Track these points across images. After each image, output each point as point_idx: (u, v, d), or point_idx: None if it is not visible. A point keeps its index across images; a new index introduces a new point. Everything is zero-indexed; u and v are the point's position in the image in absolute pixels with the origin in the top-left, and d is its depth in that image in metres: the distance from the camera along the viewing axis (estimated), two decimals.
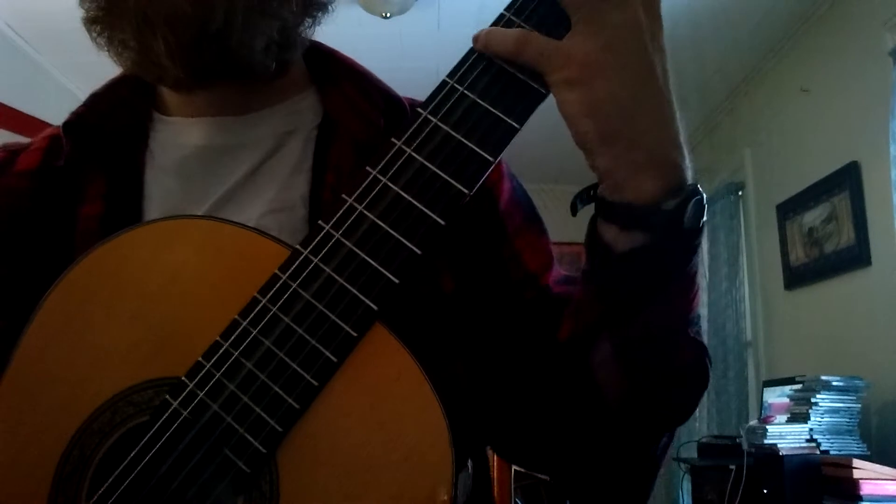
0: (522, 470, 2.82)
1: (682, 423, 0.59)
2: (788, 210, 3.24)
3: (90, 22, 0.59)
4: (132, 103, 0.66)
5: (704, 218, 0.51)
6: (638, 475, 0.61)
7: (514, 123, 0.50)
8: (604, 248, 0.52)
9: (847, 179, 2.81)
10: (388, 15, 2.94)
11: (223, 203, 0.61)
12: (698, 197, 0.50)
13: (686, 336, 0.56)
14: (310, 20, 0.64)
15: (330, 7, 0.65)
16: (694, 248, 0.52)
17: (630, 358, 0.54)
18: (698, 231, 0.51)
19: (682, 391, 0.57)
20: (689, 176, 0.51)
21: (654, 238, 0.50)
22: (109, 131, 0.64)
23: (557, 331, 0.59)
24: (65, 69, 3.45)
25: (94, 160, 0.63)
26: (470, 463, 0.59)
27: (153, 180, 0.63)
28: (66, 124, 0.64)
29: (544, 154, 3.23)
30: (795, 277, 3.19)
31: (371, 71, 0.69)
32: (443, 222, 0.49)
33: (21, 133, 2.33)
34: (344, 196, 0.51)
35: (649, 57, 0.50)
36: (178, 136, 0.65)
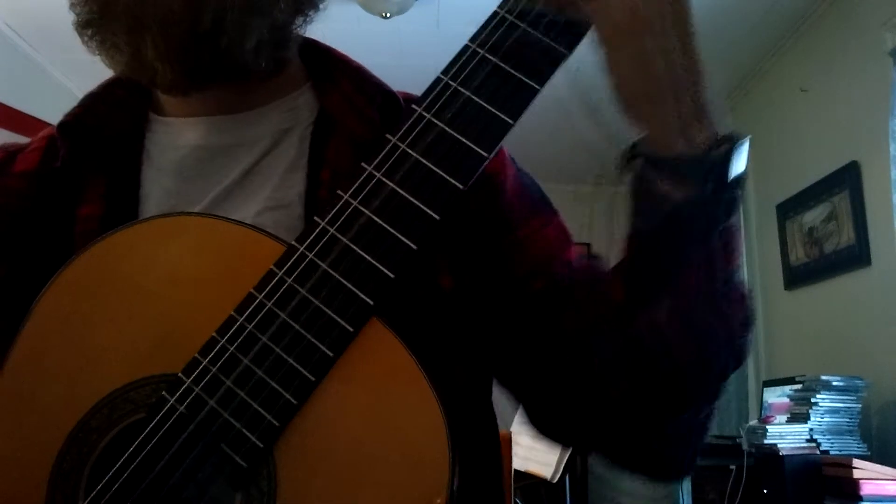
0: (522, 470, 2.82)
1: (738, 368, 0.59)
2: (788, 210, 3.24)
3: (82, 26, 0.59)
4: (128, 104, 0.66)
5: (746, 164, 0.53)
6: (686, 442, 0.62)
7: (508, 119, 0.50)
8: (657, 203, 0.53)
9: (847, 179, 2.81)
10: (388, 15, 2.94)
11: (220, 201, 0.61)
12: (741, 141, 0.52)
13: (734, 285, 0.57)
14: (302, 18, 0.64)
15: (321, 5, 0.65)
16: (739, 195, 0.53)
17: (689, 311, 0.55)
18: (743, 178, 0.53)
19: (738, 338, 0.58)
20: (725, 122, 0.53)
21: (706, 188, 0.52)
22: (106, 132, 0.64)
23: (578, 313, 0.60)
24: (63, 68, 3.45)
25: (92, 161, 0.64)
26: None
27: (151, 181, 0.63)
28: (62, 125, 0.64)
29: (543, 153, 3.23)
30: (795, 277, 3.19)
31: (366, 67, 0.69)
32: (438, 217, 0.49)
33: (20, 132, 2.33)
34: (339, 192, 0.51)
35: (685, 5, 0.52)
36: (175, 136, 0.65)
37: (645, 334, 0.56)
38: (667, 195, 0.53)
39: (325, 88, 0.67)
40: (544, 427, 0.67)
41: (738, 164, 0.52)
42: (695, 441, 0.62)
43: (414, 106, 0.52)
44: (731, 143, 0.52)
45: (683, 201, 0.52)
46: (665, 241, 0.55)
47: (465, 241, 0.63)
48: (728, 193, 0.53)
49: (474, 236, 0.63)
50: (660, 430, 0.61)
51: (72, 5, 0.59)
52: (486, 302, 0.64)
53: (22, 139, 0.70)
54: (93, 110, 0.65)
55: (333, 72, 0.67)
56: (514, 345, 0.64)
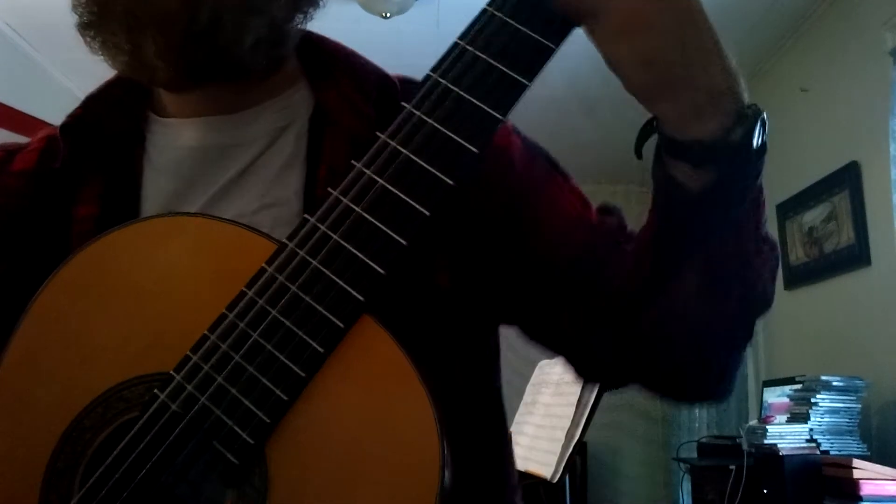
0: (522, 470, 2.82)
1: (768, 311, 0.61)
2: (788, 209, 3.24)
3: (84, 27, 0.59)
4: (128, 105, 0.67)
5: (766, 133, 0.52)
6: (729, 368, 0.63)
7: (497, 115, 0.50)
8: (677, 186, 0.53)
9: (847, 179, 2.81)
10: (388, 15, 2.94)
11: (217, 200, 0.62)
12: (761, 117, 0.51)
13: (761, 236, 0.58)
14: (300, 16, 0.64)
15: (321, 2, 0.65)
16: (763, 163, 0.53)
17: (723, 272, 0.57)
18: (765, 149, 0.52)
19: (770, 284, 0.60)
20: (746, 98, 0.52)
21: (727, 169, 0.52)
22: (106, 133, 0.65)
23: (626, 259, 0.62)
24: (64, 68, 3.45)
25: (91, 162, 0.64)
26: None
27: (150, 181, 0.64)
28: (64, 126, 0.64)
29: None
30: (795, 277, 3.19)
31: (358, 52, 0.69)
32: (428, 214, 0.49)
33: (20, 132, 2.33)
34: (329, 189, 0.51)
35: None
36: (174, 137, 0.65)
37: (672, 297, 0.58)
38: (686, 180, 0.53)
39: (321, 85, 0.67)
40: (589, 375, 0.70)
41: (760, 137, 0.52)
42: (735, 365, 0.64)
43: (404, 104, 0.52)
44: (750, 121, 0.51)
45: (703, 185, 0.52)
46: (692, 220, 0.55)
47: (481, 224, 0.63)
48: (752, 167, 0.53)
49: (492, 216, 0.64)
50: (705, 364, 0.63)
51: (73, 7, 0.59)
52: (511, 277, 0.65)
53: (22, 139, 0.71)
54: (93, 111, 0.66)
55: (329, 67, 0.67)
56: (547, 311, 0.65)
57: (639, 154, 0.55)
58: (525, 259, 0.64)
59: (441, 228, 0.53)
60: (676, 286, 0.58)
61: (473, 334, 0.65)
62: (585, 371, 0.70)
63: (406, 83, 0.67)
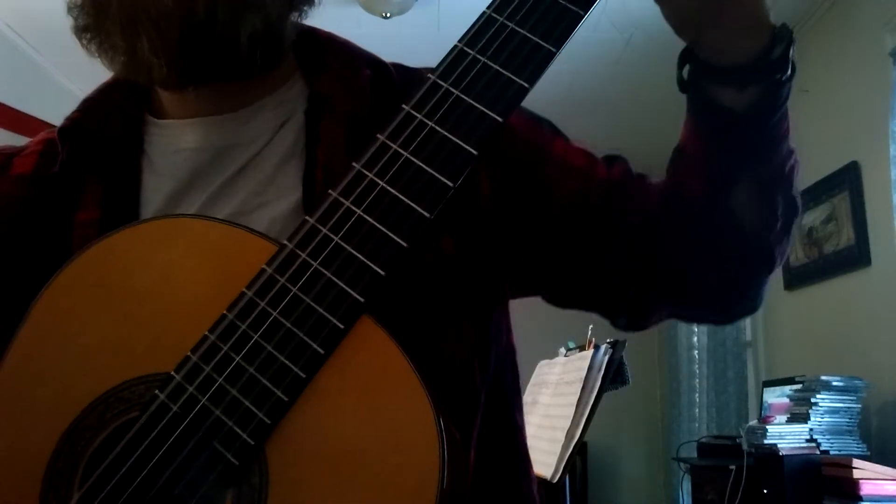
0: None
1: (797, 217, 0.66)
2: None
3: (80, 30, 0.60)
4: (126, 108, 0.66)
5: (795, 51, 0.57)
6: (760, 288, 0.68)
7: (497, 117, 0.51)
8: (723, 109, 0.58)
9: (847, 179, 2.81)
10: (388, 15, 2.95)
11: (215, 200, 0.62)
12: (792, 33, 0.56)
13: (789, 147, 0.62)
14: (296, 13, 0.64)
15: (316, 0, 0.65)
16: (793, 77, 0.58)
17: (765, 186, 0.61)
18: (795, 65, 0.57)
19: (797, 190, 0.65)
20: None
21: (770, 85, 0.56)
22: (105, 136, 0.65)
23: (648, 198, 0.65)
24: (65, 69, 3.46)
25: (90, 165, 0.64)
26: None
27: (150, 184, 0.64)
28: (62, 130, 0.64)
29: None
30: (795, 277, 3.19)
31: (351, 40, 0.70)
32: (429, 215, 0.49)
33: (21, 133, 2.34)
34: (330, 191, 0.51)
35: None
36: (174, 139, 0.65)
37: (726, 216, 0.62)
38: (732, 103, 0.57)
39: (314, 72, 0.67)
40: (622, 320, 0.72)
41: (792, 55, 0.56)
42: (764, 286, 0.68)
43: (404, 105, 0.52)
44: (786, 40, 0.56)
45: (753, 102, 0.56)
46: (741, 138, 0.59)
47: (490, 196, 0.64)
48: (788, 84, 0.57)
49: (502, 185, 0.65)
50: (743, 287, 0.67)
51: (69, 10, 0.60)
52: (530, 240, 0.67)
53: (23, 140, 0.71)
54: (91, 114, 0.66)
55: (321, 53, 0.68)
56: (570, 267, 0.68)
57: (683, 86, 0.59)
58: (542, 219, 0.66)
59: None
60: (730, 203, 0.61)
61: (479, 304, 0.64)
62: (619, 316, 0.72)
63: (401, 69, 0.68)
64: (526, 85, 0.51)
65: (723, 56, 0.56)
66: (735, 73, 0.56)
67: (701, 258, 0.64)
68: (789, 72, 0.57)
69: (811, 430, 2.44)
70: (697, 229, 0.63)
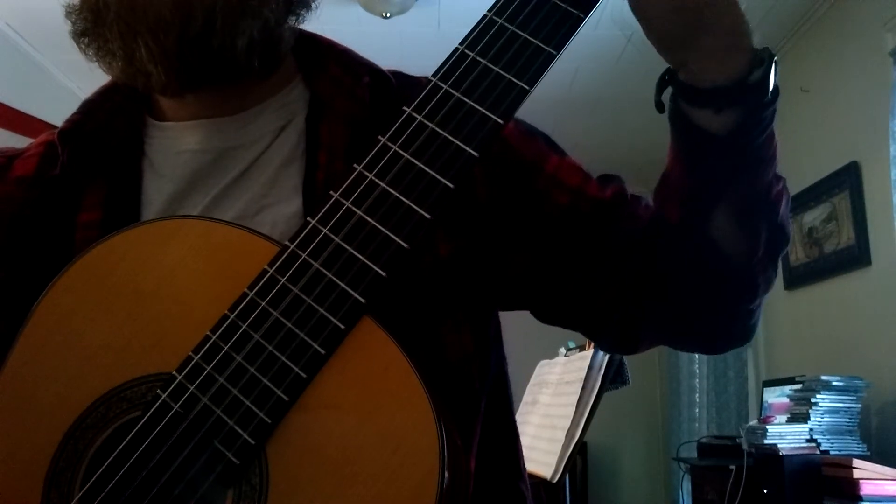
0: None
1: (787, 245, 0.65)
2: None
3: (78, 35, 0.60)
4: (126, 110, 0.67)
5: (778, 75, 0.56)
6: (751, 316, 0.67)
7: (499, 120, 0.51)
8: (702, 132, 0.57)
9: (847, 179, 2.81)
10: (388, 15, 2.94)
11: (218, 202, 0.62)
12: (774, 57, 0.55)
13: (775, 172, 0.62)
14: (293, 18, 0.64)
15: (314, 4, 0.65)
16: (777, 101, 0.57)
17: (746, 208, 0.60)
18: (778, 90, 0.56)
19: (787, 217, 0.64)
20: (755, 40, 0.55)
21: (748, 110, 0.55)
22: (106, 139, 0.65)
23: (637, 222, 0.65)
24: (65, 69, 3.46)
25: (91, 168, 0.64)
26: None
27: (152, 186, 0.64)
28: (62, 132, 0.64)
29: None
30: (795, 277, 3.19)
31: (351, 48, 0.70)
32: (430, 217, 0.50)
33: (21, 133, 2.34)
34: (331, 193, 0.51)
35: None
36: (175, 141, 0.65)
37: (704, 243, 0.61)
38: (708, 125, 0.56)
39: (314, 75, 0.67)
40: (607, 342, 0.71)
41: (774, 78, 0.55)
42: (760, 304, 0.66)
43: (405, 108, 0.52)
44: (766, 63, 0.55)
45: (732, 126, 0.56)
46: (721, 162, 0.58)
47: (484, 204, 0.64)
48: (771, 105, 0.56)
49: (495, 195, 0.65)
50: (728, 316, 0.66)
51: (67, 14, 0.60)
52: (518, 252, 0.66)
53: (24, 140, 0.71)
54: (92, 117, 0.66)
55: (321, 58, 0.68)
56: (557, 284, 0.67)
57: (660, 108, 0.58)
58: (531, 231, 0.66)
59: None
60: (708, 230, 0.60)
61: (475, 308, 0.65)
62: (602, 338, 0.71)
63: (400, 77, 0.68)
64: (527, 87, 0.51)
65: (701, 78, 0.55)
66: (713, 95, 0.55)
67: (682, 285, 0.63)
68: (769, 96, 0.55)
69: (811, 430, 2.44)
70: (677, 255, 0.62)
